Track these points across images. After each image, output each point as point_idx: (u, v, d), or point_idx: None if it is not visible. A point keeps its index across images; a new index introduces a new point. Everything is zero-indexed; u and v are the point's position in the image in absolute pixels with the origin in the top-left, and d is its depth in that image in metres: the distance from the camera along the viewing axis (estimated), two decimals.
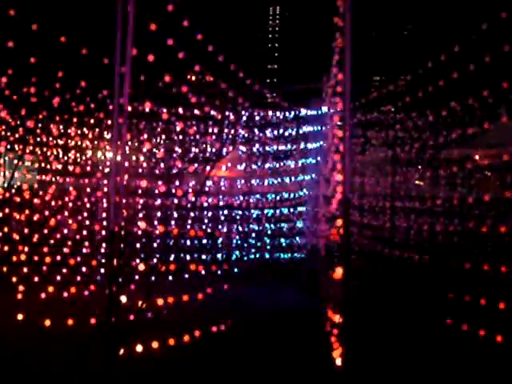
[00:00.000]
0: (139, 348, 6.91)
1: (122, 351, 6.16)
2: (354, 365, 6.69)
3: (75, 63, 8.87)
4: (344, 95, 6.29)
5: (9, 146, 12.06)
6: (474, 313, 8.38)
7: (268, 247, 13.43)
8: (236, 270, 12.79)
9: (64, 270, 10.54)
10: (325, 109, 12.38)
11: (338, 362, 6.73)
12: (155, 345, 7.13)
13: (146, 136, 11.95)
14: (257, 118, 12.96)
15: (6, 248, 10.09)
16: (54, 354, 7.20)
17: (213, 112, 11.01)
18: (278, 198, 13.45)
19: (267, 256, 13.37)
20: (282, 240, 13.38)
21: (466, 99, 10.75)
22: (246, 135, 13.23)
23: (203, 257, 12.64)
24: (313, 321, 8.93)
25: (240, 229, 13.43)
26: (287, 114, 13.07)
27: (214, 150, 12.98)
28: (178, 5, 7.50)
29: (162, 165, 12.06)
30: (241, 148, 13.18)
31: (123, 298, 6.94)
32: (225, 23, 74.07)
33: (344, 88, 5.92)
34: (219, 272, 12.27)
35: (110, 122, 10.14)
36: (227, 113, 11.90)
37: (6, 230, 10.66)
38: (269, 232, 13.47)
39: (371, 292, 10.59)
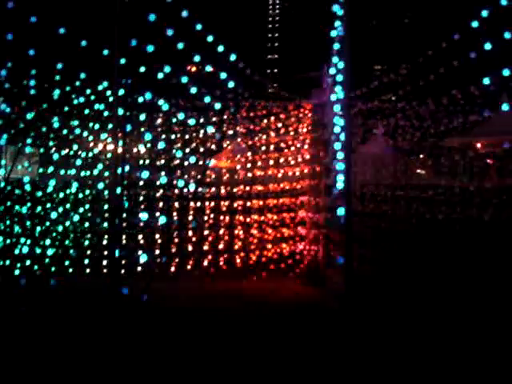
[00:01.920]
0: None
1: None
2: (359, 357, 6.71)
3: (74, 55, 8.84)
4: (344, 85, 6.28)
5: (9, 139, 12.03)
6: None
7: (270, 238, 13.40)
8: (238, 260, 12.78)
9: None
10: (325, 98, 12.34)
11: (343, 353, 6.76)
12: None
13: (146, 127, 11.92)
14: (258, 108, 12.94)
15: None
16: None
17: (213, 102, 10.98)
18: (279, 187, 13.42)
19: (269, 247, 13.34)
20: (284, 230, 13.34)
21: (467, 87, 10.72)
22: (247, 126, 13.20)
23: (205, 248, 12.63)
24: (317, 313, 8.91)
25: (242, 219, 13.41)
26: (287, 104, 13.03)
27: (214, 140, 12.96)
28: None
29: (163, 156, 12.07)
30: (240, 139, 13.15)
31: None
32: (224, 13, 73.81)
33: (344, 78, 5.91)
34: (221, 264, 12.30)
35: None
36: (227, 103, 11.87)
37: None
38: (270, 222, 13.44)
39: (375, 282, 10.58)
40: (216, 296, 9.92)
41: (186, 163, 12.56)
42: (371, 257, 11.83)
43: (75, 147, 11.95)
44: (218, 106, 10.14)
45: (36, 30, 7.91)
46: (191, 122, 11.59)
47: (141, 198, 11.98)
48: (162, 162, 12.45)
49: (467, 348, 7.20)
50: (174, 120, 12.14)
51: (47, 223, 11.19)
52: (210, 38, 8.18)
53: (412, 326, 8.15)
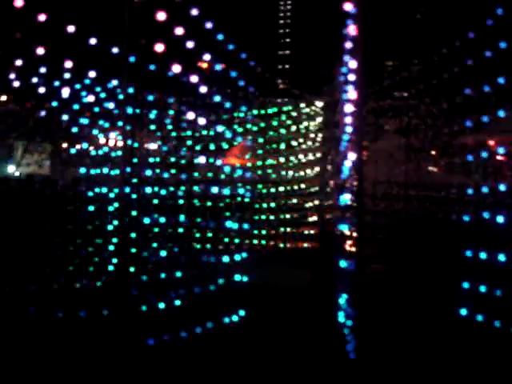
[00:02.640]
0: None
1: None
2: (367, 357, 6.63)
3: (84, 53, 8.79)
4: (356, 84, 6.17)
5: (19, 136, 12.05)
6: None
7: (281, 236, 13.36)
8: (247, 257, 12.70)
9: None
10: (337, 96, 12.24)
11: (352, 354, 6.67)
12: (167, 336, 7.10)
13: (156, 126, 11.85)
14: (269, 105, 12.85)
15: None
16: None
17: (223, 100, 10.90)
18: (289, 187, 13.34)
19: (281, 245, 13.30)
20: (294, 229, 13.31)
21: (480, 85, 10.56)
22: (258, 124, 13.11)
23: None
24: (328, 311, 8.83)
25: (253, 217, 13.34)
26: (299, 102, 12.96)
27: (224, 138, 12.86)
28: None
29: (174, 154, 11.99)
30: (251, 137, 13.07)
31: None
32: (235, 8, 73.68)
33: (356, 77, 5.80)
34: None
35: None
36: (238, 101, 11.80)
37: None
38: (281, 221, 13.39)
39: (386, 282, 10.49)
40: None
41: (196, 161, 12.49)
42: (382, 256, 11.75)
43: (85, 145, 11.91)
44: (228, 104, 10.07)
45: (45, 28, 7.86)
46: (201, 120, 11.51)
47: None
48: (172, 160, 12.37)
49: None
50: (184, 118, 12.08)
51: None
52: (220, 37, 8.10)
53: (419, 325, 8.08)
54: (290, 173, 13.26)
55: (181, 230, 11.66)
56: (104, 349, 6.68)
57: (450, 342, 7.66)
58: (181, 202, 11.87)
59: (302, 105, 13.01)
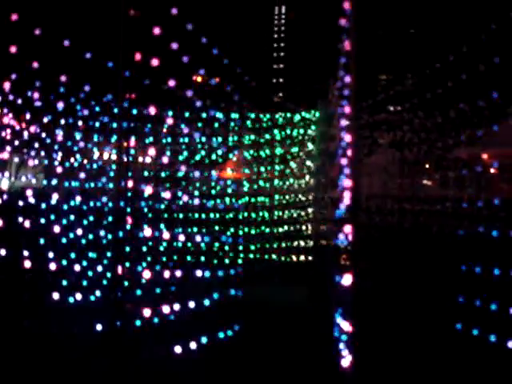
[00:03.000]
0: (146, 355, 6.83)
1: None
2: (363, 373, 6.59)
3: (79, 67, 8.81)
4: (350, 98, 6.18)
5: (14, 150, 12.01)
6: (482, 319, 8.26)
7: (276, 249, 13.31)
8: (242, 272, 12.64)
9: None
10: (331, 110, 12.27)
11: (346, 368, 6.63)
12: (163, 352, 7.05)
13: (151, 140, 11.87)
14: (263, 119, 12.87)
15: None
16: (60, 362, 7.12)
17: (218, 114, 10.94)
18: (284, 200, 13.33)
19: (276, 258, 13.25)
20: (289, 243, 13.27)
21: (474, 100, 10.63)
22: (252, 137, 13.13)
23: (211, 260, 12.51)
24: (322, 325, 8.79)
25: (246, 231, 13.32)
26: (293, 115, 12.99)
27: (219, 152, 12.89)
28: (182, 6, 7.41)
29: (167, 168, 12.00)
30: (246, 150, 13.09)
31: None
32: (229, 23, 74.00)
33: (350, 92, 5.81)
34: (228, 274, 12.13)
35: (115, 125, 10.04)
36: (232, 115, 11.83)
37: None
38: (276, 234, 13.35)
39: (381, 296, 10.46)
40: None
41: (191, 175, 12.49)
42: (375, 271, 11.72)
43: (79, 159, 11.90)
44: (221, 117, 10.09)
45: (40, 42, 7.87)
46: (196, 134, 11.54)
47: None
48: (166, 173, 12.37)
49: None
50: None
51: None
52: (214, 51, 8.13)
53: (415, 339, 8.05)
54: (285, 185, 13.28)
55: (175, 243, 11.65)
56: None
57: (446, 355, 7.64)
58: (176, 215, 11.87)
59: (297, 118, 13.05)
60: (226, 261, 12.67)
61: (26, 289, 9.55)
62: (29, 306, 8.95)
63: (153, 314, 7.51)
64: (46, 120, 10.85)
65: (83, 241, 9.60)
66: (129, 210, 7.51)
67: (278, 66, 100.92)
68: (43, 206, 10.97)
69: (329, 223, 12.07)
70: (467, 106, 11.04)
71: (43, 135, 11.31)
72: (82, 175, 10.38)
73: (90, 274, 9.93)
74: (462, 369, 7.16)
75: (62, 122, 11.18)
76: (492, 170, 15.41)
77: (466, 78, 9.20)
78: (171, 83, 7.58)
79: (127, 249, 7.34)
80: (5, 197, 11.21)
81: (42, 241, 9.71)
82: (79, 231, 9.25)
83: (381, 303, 9.83)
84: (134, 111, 9.47)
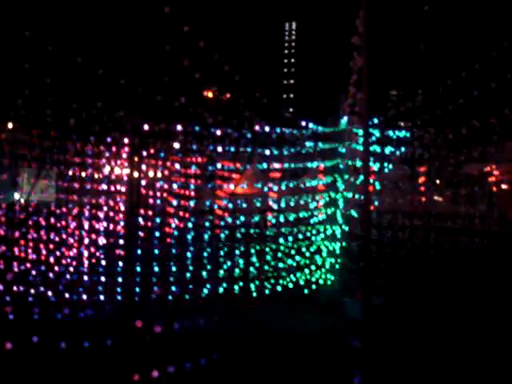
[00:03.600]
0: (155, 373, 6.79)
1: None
2: None
3: (92, 83, 8.86)
4: (363, 115, 6.19)
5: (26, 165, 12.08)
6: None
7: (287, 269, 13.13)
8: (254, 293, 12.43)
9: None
10: (342, 126, 12.29)
11: None
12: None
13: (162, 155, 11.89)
14: (274, 135, 12.86)
15: None
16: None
17: (229, 130, 10.96)
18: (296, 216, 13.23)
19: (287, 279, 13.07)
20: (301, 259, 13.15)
21: (485, 116, 10.60)
22: (263, 152, 13.11)
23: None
24: (338, 346, 8.65)
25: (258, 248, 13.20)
26: (304, 131, 12.98)
27: (231, 167, 12.88)
28: (194, 22, 7.47)
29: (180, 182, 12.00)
30: (258, 166, 13.06)
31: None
32: (240, 39, 74.41)
33: (361, 108, 5.82)
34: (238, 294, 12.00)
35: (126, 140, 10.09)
36: (244, 131, 11.84)
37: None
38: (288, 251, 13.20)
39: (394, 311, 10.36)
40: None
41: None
42: (388, 286, 11.64)
43: (91, 173, 11.96)
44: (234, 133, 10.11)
45: (53, 58, 7.94)
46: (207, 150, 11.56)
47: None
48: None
49: None
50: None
51: None
52: (226, 68, 8.17)
53: (430, 357, 7.96)
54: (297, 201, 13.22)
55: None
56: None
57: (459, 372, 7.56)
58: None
59: (307, 134, 13.04)
60: None
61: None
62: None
63: None
64: (57, 135, 10.94)
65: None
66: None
67: (288, 82, 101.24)
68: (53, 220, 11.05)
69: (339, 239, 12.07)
70: (479, 122, 11.00)
71: (55, 150, 11.40)
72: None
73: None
74: None
75: (74, 137, 11.27)
76: (504, 186, 15.30)
77: (478, 94, 9.19)
78: (183, 99, 7.63)
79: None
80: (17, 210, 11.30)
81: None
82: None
83: (396, 319, 9.74)
84: (146, 127, 9.54)
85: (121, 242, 11.09)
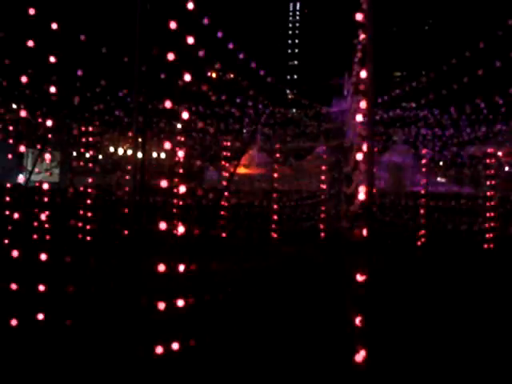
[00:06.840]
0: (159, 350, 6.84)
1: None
2: (376, 367, 6.57)
3: (95, 62, 8.85)
4: (366, 94, 6.16)
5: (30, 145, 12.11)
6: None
7: None
8: None
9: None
10: (346, 106, 12.26)
11: (360, 363, 6.63)
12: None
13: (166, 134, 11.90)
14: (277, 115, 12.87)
15: None
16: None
17: (233, 110, 10.95)
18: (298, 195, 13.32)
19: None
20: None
21: (490, 96, 10.56)
22: (267, 132, 13.13)
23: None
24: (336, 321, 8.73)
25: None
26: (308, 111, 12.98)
27: (234, 147, 12.89)
28: (199, 2, 7.42)
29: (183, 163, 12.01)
30: (261, 145, 13.09)
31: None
32: (245, 20, 73.98)
33: (366, 87, 5.79)
34: None
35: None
36: (247, 110, 11.83)
37: None
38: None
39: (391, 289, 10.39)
40: None
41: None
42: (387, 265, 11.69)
43: (95, 153, 11.99)
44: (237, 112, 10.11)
45: (57, 36, 7.91)
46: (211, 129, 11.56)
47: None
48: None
49: None
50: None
51: None
52: (230, 46, 8.14)
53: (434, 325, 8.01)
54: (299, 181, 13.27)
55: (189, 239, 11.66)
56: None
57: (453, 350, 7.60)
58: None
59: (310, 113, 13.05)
60: None
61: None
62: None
63: None
64: (62, 114, 10.93)
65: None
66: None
67: (292, 63, 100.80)
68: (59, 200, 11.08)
69: (343, 219, 12.06)
70: (483, 102, 10.97)
71: (59, 130, 11.41)
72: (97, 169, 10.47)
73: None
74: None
75: (78, 116, 11.28)
76: (507, 168, 15.30)
77: (483, 73, 9.14)
78: (187, 78, 7.60)
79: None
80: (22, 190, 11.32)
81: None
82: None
83: (393, 298, 9.78)
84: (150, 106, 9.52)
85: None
